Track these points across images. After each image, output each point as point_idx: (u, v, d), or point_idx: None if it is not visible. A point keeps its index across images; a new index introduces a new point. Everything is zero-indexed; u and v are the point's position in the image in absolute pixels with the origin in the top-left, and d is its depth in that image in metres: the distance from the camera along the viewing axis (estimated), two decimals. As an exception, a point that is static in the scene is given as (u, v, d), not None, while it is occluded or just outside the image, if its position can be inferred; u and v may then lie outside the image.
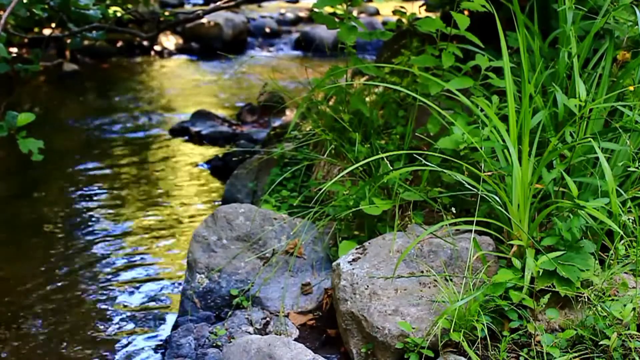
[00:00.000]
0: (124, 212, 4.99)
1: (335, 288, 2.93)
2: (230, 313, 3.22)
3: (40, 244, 4.49)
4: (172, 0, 12.19)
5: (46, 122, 6.87)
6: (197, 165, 5.94)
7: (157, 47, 10.51)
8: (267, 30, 11.47)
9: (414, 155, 3.14)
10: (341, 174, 3.05)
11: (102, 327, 3.58)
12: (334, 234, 3.39)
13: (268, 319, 3.16)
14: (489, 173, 2.89)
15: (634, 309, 2.44)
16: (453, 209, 3.11)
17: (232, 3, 6.88)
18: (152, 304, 3.81)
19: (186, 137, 6.67)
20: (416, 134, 3.50)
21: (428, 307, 2.69)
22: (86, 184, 5.50)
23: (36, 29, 8.01)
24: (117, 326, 3.59)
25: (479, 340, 2.53)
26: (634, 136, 3.02)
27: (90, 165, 5.93)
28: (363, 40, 4.00)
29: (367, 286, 2.81)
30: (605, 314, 2.51)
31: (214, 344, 3.05)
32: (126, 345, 3.41)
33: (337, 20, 3.83)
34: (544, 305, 2.60)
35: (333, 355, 2.93)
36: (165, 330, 3.51)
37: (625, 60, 3.27)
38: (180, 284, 3.92)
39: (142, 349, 3.38)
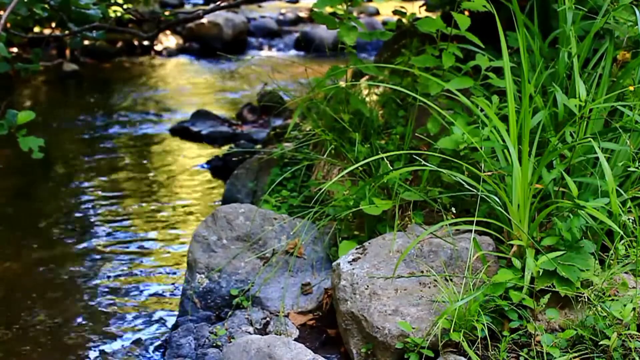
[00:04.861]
0: (123, 212, 4.99)
1: (335, 288, 2.93)
2: (230, 313, 3.22)
3: (40, 244, 4.49)
4: (172, 0, 12.19)
5: (46, 122, 6.88)
6: (197, 165, 5.94)
7: (157, 47, 10.51)
8: (267, 30, 11.47)
9: (414, 155, 3.13)
10: (341, 174, 3.05)
11: (102, 327, 3.58)
12: (334, 234, 3.39)
13: (268, 319, 3.16)
14: (489, 173, 2.89)
15: (634, 309, 2.44)
16: (453, 209, 3.11)
17: (232, 3, 6.88)
18: (152, 303, 3.81)
19: (186, 137, 6.67)
20: (416, 134, 3.49)
21: (428, 307, 2.69)
22: (86, 184, 5.50)
23: (36, 29, 8.00)
24: (117, 326, 3.59)
25: (479, 340, 2.53)
26: (634, 136, 3.02)
27: (90, 165, 5.93)
28: (363, 40, 3.99)
29: (367, 286, 2.81)
30: (605, 314, 2.51)
31: (214, 344, 3.05)
32: (126, 345, 3.41)
33: (337, 20, 3.83)
34: (544, 305, 2.60)
35: (333, 355, 2.93)
36: (165, 330, 3.51)
37: (625, 60, 3.27)
38: (180, 284, 3.92)
39: (142, 349, 3.38)
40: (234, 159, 5.28)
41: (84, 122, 7.15)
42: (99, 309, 3.76)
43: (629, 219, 2.68)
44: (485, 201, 2.85)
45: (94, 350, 3.38)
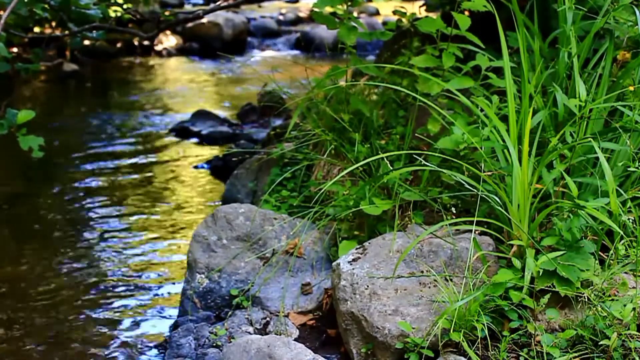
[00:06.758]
0: (123, 212, 4.99)
1: (335, 288, 2.93)
2: (230, 313, 3.22)
3: (41, 244, 4.49)
4: (172, 0, 12.19)
5: (46, 122, 6.88)
6: (197, 165, 5.94)
7: (157, 47, 10.51)
8: (267, 30, 11.47)
9: (414, 155, 3.13)
10: (341, 174, 3.05)
11: (102, 326, 3.58)
12: (334, 234, 3.39)
13: (268, 319, 3.16)
14: (489, 173, 2.89)
15: (634, 309, 2.44)
16: (453, 209, 3.11)
17: (232, 3, 6.88)
18: (152, 303, 3.81)
19: (186, 137, 6.67)
20: (416, 134, 3.49)
21: (428, 307, 2.69)
22: (86, 184, 5.50)
23: (36, 29, 8.01)
24: (117, 326, 3.59)
25: (479, 340, 2.53)
26: (634, 136, 3.02)
27: (90, 165, 5.94)
28: (363, 40, 3.99)
29: (367, 286, 2.81)
30: (605, 314, 2.50)
31: (214, 344, 3.05)
32: (126, 345, 3.41)
33: (337, 20, 3.83)
34: (544, 305, 2.60)
35: (333, 355, 2.93)
36: (165, 330, 3.51)
37: (625, 60, 3.27)
38: (180, 284, 3.92)
39: (142, 349, 3.38)
40: (234, 159, 5.28)
41: (84, 122, 7.15)
42: (99, 309, 3.76)
43: (629, 219, 2.68)
44: (485, 201, 2.85)
45: (95, 351, 3.38)
